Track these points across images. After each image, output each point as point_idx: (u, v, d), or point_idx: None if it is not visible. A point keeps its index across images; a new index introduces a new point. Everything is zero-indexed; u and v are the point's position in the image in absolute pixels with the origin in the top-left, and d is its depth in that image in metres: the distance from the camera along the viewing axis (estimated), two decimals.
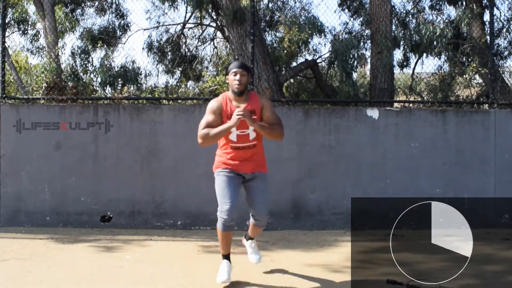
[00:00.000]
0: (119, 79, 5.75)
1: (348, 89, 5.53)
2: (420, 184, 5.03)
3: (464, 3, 6.62)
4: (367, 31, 6.32)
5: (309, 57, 6.69)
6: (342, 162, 5.02)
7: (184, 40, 7.81)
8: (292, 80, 7.05)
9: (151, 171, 4.95)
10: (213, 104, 3.15)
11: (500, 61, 6.77)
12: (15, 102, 5.25)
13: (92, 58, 5.99)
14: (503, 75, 6.54)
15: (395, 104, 5.76)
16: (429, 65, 10.89)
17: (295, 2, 7.28)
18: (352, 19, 7.21)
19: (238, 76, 3.06)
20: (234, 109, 3.07)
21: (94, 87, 5.83)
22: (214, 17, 7.31)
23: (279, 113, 4.96)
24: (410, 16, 6.30)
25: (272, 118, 3.17)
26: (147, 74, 6.39)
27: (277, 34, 6.91)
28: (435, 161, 5.08)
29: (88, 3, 7.30)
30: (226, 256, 3.23)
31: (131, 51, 12.99)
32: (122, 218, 4.93)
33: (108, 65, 5.81)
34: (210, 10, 7.27)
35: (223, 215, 3.02)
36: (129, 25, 7.37)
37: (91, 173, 4.93)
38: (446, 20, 6.23)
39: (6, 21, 6.14)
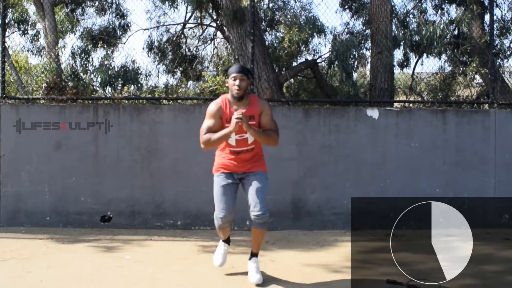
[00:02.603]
0: (119, 79, 5.75)
1: (348, 89, 5.53)
2: (420, 184, 5.03)
3: (465, 2, 6.62)
4: (367, 31, 6.32)
5: (309, 57, 6.69)
6: (342, 162, 5.02)
7: (184, 40, 7.81)
8: (292, 80, 7.05)
9: (151, 171, 4.95)
10: (212, 107, 3.15)
11: (501, 61, 6.77)
12: (15, 102, 5.25)
13: (92, 58, 5.99)
14: (503, 75, 6.54)
15: (395, 104, 5.76)
16: (429, 65, 10.88)
17: (295, 2, 7.28)
18: (353, 19, 7.22)
19: (237, 81, 3.06)
20: (234, 112, 3.08)
21: (94, 87, 5.83)
22: (214, 17, 7.31)
23: (279, 113, 5.01)
24: (411, 16, 6.31)
25: (269, 124, 3.18)
26: (147, 74, 6.41)
27: (277, 34, 6.91)
28: (435, 161, 5.08)
29: (88, 3, 7.30)
30: (225, 240, 3.43)
31: (131, 51, 13.01)
32: (122, 218, 4.93)
33: (108, 65, 5.81)
34: (210, 10, 7.27)
35: (218, 221, 3.19)
36: (129, 25, 7.37)
37: (91, 173, 4.93)
38: (447, 21, 6.23)
39: (6, 21, 6.14)
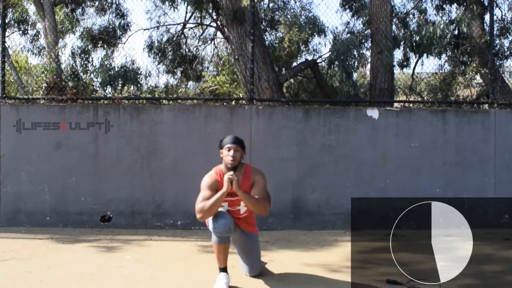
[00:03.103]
0: (119, 79, 5.75)
1: (348, 89, 5.53)
2: (420, 184, 5.03)
3: (465, 3, 6.62)
4: (368, 31, 6.32)
5: (309, 57, 6.70)
6: (342, 162, 5.02)
7: (184, 40, 7.81)
8: (292, 80, 7.05)
9: (151, 171, 4.95)
10: (208, 180, 3.14)
11: (501, 61, 6.77)
12: (15, 102, 5.25)
13: (92, 58, 5.99)
14: (503, 75, 6.54)
15: (395, 104, 5.76)
16: (429, 65, 10.90)
17: (295, 2, 7.28)
18: (353, 19, 7.22)
19: (232, 152, 3.08)
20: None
21: (94, 87, 5.83)
22: (214, 17, 7.31)
23: (279, 113, 5.01)
24: (410, 16, 6.31)
25: (260, 194, 3.10)
26: (147, 74, 6.41)
27: (277, 34, 6.91)
28: (435, 161, 5.08)
29: (88, 3, 7.31)
30: (223, 269, 3.13)
31: (131, 51, 13.03)
32: (122, 218, 4.93)
33: (108, 65, 5.81)
34: (210, 10, 7.27)
35: (216, 231, 3.02)
36: (129, 25, 7.38)
37: (91, 173, 4.93)
38: (447, 21, 6.23)
39: (6, 21, 6.15)
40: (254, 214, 3.29)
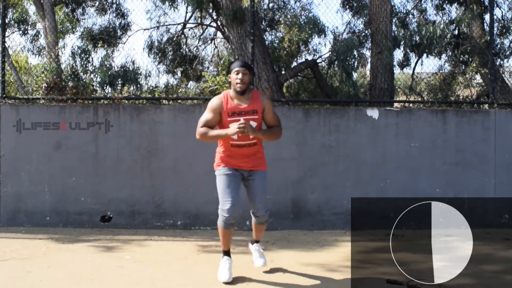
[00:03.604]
0: (119, 79, 5.75)
1: (348, 89, 5.52)
2: (420, 184, 5.03)
3: (465, 3, 6.62)
4: (368, 31, 6.32)
5: (309, 57, 6.69)
6: (342, 162, 5.02)
7: (184, 40, 7.81)
8: (292, 80, 7.05)
9: (151, 171, 4.95)
10: (214, 102, 3.18)
11: (501, 61, 6.77)
12: (15, 102, 5.25)
13: (92, 58, 5.99)
14: (503, 75, 6.54)
15: (395, 104, 5.76)
16: (429, 65, 10.88)
17: (295, 2, 7.28)
18: (353, 19, 7.22)
19: (240, 75, 3.08)
20: (235, 106, 3.11)
21: (94, 87, 5.82)
22: (214, 17, 7.31)
23: (279, 113, 4.96)
24: (410, 16, 6.31)
25: (273, 120, 3.26)
26: (147, 74, 6.40)
27: (277, 34, 6.91)
28: (435, 161, 5.08)
29: (89, 3, 7.30)
30: (227, 252, 3.28)
31: (131, 51, 13.03)
32: (122, 218, 4.93)
33: (108, 65, 5.81)
34: (210, 10, 7.27)
35: (224, 213, 3.07)
36: (129, 25, 7.38)
37: (91, 173, 4.93)
38: (447, 21, 6.23)
39: (6, 21, 6.15)
40: (263, 150, 3.31)
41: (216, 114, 3.14)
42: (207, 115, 3.16)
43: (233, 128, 3.00)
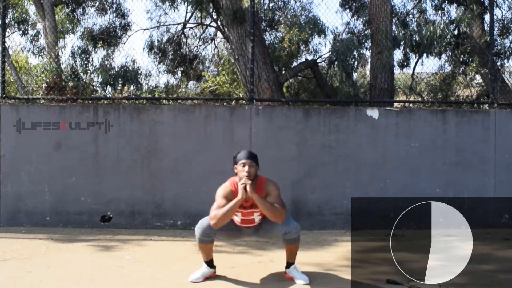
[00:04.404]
0: (119, 79, 5.75)
1: (348, 89, 5.52)
2: (420, 184, 5.03)
3: (465, 3, 6.62)
4: (368, 31, 6.32)
5: (309, 57, 6.69)
6: (342, 162, 5.02)
7: (184, 40, 7.81)
8: (292, 80, 7.05)
9: (151, 171, 4.95)
10: (226, 191, 3.13)
11: (501, 61, 6.77)
12: (15, 102, 5.25)
13: (92, 58, 5.99)
14: (503, 75, 6.54)
15: (395, 104, 5.76)
16: (429, 65, 10.89)
17: (295, 2, 7.28)
18: (353, 19, 7.22)
19: (246, 168, 3.07)
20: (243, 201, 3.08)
21: (94, 87, 5.83)
22: (214, 17, 7.31)
23: (279, 113, 5.01)
24: (410, 16, 6.30)
25: (274, 202, 3.09)
26: (148, 74, 6.40)
27: (277, 34, 6.91)
28: (435, 161, 5.08)
29: (89, 3, 7.30)
30: (207, 262, 3.29)
31: (132, 51, 13.04)
32: (122, 218, 4.93)
33: (108, 65, 5.81)
34: (210, 10, 7.27)
35: (196, 231, 3.18)
36: (129, 25, 7.37)
37: (91, 173, 4.93)
38: (447, 21, 6.23)
39: (6, 21, 6.15)
40: None
41: (228, 200, 3.07)
42: (219, 201, 3.08)
43: (239, 189, 3.01)
